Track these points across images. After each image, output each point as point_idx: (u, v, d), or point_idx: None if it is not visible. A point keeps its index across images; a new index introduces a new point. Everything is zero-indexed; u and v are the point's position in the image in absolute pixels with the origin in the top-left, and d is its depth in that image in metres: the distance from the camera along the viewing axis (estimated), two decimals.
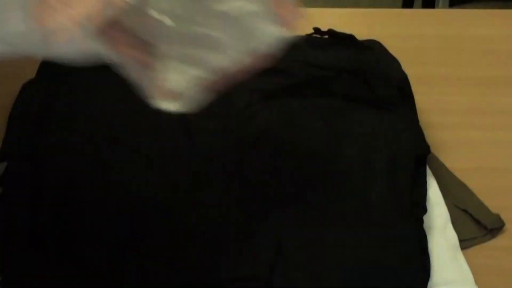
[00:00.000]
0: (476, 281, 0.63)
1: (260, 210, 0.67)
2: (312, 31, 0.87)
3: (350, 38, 0.85)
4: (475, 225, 0.69)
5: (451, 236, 0.67)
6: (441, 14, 1.10)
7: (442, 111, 0.84)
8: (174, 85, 0.46)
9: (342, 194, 0.68)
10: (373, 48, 0.84)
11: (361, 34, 0.88)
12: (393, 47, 0.88)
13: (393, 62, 0.84)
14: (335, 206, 0.67)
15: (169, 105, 0.47)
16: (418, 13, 1.07)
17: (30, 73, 0.84)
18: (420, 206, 0.68)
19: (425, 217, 0.67)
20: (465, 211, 0.70)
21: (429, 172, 0.73)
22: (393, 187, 0.68)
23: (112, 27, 0.42)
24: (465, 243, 0.67)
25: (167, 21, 0.43)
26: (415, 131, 0.75)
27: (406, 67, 0.83)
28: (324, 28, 0.88)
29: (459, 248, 0.66)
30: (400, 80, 0.80)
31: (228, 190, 0.68)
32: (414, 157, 0.71)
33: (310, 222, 0.66)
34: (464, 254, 0.65)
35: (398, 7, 2.18)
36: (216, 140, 0.73)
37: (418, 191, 0.69)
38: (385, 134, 0.74)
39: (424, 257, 0.64)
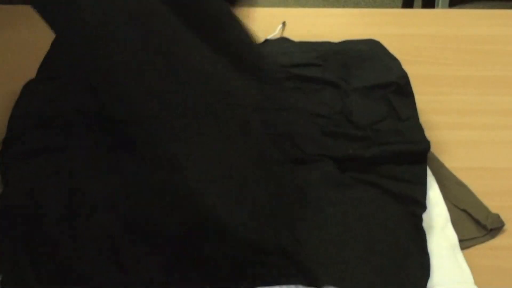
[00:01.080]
0: (476, 281, 0.63)
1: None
2: (311, 30, 0.88)
3: None
4: (475, 225, 0.69)
5: (451, 236, 0.67)
6: (441, 14, 1.10)
7: (442, 111, 0.84)
8: None
9: (343, 196, 0.68)
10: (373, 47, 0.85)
11: (361, 34, 0.88)
12: (393, 47, 0.88)
13: (393, 61, 0.84)
14: (335, 207, 0.67)
15: None
16: (418, 13, 1.08)
17: (30, 73, 0.84)
18: (419, 204, 0.68)
19: (425, 217, 0.67)
20: (464, 211, 0.70)
21: (429, 172, 0.73)
22: (392, 189, 0.69)
23: None
24: (465, 243, 0.67)
25: None
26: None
27: (406, 67, 0.83)
28: (324, 28, 0.88)
29: (459, 248, 0.66)
30: (400, 78, 0.80)
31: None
32: (414, 154, 0.72)
33: (309, 222, 0.66)
34: (464, 254, 0.65)
35: (398, 7, 2.18)
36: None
37: (417, 188, 0.69)
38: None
39: (423, 257, 0.64)
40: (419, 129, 0.75)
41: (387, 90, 0.80)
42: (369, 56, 0.87)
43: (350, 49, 0.89)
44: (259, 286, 0.61)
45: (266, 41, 0.94)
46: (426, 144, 0.73)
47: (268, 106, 0.79)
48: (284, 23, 0.99)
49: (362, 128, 0.76)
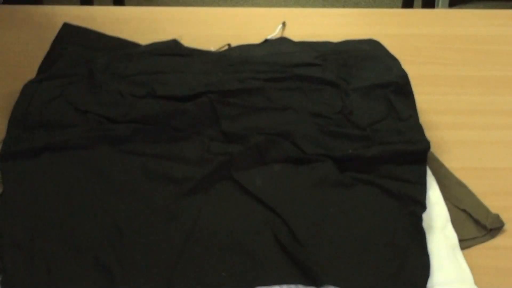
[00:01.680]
0: (476, 281, 0.63)
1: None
2: (311, 30, 0.88)
3: None
4: (475, 225, 0.69)
5: (451, 236, 0.67)
6: (441, 14, 1.10)
7: (442, 111, 0.84)
8: None
9: (343, 196, 0.69)
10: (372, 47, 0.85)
11: (361, 34, 0.88)
12: (393, 47, 0.88)
13: (393, 61, 0.84)
14: (334, 207, 0.67)
15: None
16: (418, 13, 1.08)
17: (30, 73, 0.84)
18: (419, 204, 0.68)
19: (425, 217, 0.67)
20: (464, 211, 0.70)
21: (429, 172, 0.73)
22: (392, 189, 0.69)
23: None
24: (465, 243, 0.67)
25: None
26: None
27: (406, 67, 0.83)
28: (324, 28, 0.88)
29: (459, 248, 0.66)
30: (400, 78, 0.80)
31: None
32: (414, 154, 0.72)
33: (309, 222, 0.66)
34: (464, 254, 0.65)
35: (398, 7, 2.18)
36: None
37: (417, 188, 0.69)
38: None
39: (423, 257, 0.64)
40: (419, 129, 0.75)
41: (387, 89, 0.80)
42: (369, 56, 0.87)
43: (350, 49, 0.89)
44: (259, 286, 0.61)
45: (266, 41, 0.94)
46: (426, 144, 0.73)
47: (268, 106, 0.79)
48: (284, 23, 0.99)
49: (362, 128, 0.76)
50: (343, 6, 2.37)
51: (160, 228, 0.65)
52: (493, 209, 0.70)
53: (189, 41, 0.91)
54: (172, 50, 0.88)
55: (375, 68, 0.84)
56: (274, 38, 0.95)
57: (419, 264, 0.63)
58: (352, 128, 0.76)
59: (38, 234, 0.64)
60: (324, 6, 2.37)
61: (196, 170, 0.71)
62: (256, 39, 0.94)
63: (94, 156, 0.72)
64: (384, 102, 0.79)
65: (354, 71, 0.84)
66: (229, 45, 0.93)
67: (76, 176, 0.70)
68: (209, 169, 0.71)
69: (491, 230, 0.68)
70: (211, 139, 0.75)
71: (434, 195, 0.71)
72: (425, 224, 0.66)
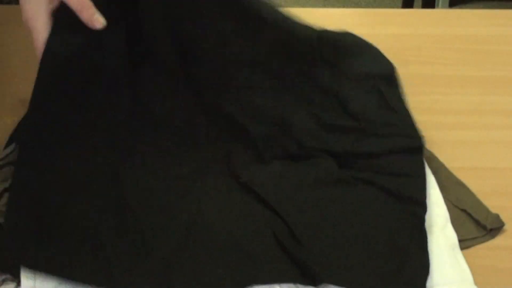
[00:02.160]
0: (476, 281, 0.63)
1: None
2: None
3: None
4: (474, 225, 0.69)
5: (451, 236, 0.67)
6: (441, 14, 1.10)
7: (442, 111, 0.84)
8: None
9: (343, 195, 0.69)
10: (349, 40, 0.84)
11: (361, 34, 0.87)
12: (393, 47, 0.88)
13: (377, 51, 0.83)
14: (334, 206, 0.68)
15: None
16: (418, 13, 1.08)
17: (30, 73, 0.84)
18: (420, 204, 0.68)
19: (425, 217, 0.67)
20: (464, 211, 0.70)
21: (429, 172, 0.73)
22: (391, 188, 0.69)
23: None
24: (465, 243, 0.67)
25: None
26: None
27: (406, 67, 0.83)
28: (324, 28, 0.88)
29: (458, 248, 0.66)
30: (388, 69, 0.80)
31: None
32: (409, 149, 0.72)
33: (309, 222, 0.66)
34: (464, 254, 0.65)
35: (398, 7, 2.18)
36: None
37: (417, 184, 0.69)
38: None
39: (423, 257, 0.64)
40: (410, 120, 0.75)
41: (378, 80, 0.79)
42: (355, 46, 0.85)
43: (337, 38, 0.87)
44: (258, 285, 0.61)
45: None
46: (419, 141, 0.73)
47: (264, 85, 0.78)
48: None
49: (356, 118, 0.76)
50: (343, 6, 2.37)
51: (158, 227, 0.65)
52: (493, 209, 0.70)
53: None
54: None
55: (364, 59, 0.83)
56: None
57: (419, 264, 0.63)
58: (347, 120, 0.76)
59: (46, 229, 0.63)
60: (324, 6, 2.37)
61: (194, 168, 0.71)
62: None
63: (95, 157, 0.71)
64: (375, 93, 0.79)
65: (345, 59, 0.83)
66: None
67: (81, 172, 0.68)
68: (208, 167, 0.71)
69: (491, 230, 0.68)
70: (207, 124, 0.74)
71: (434, 195, 0.71)
72: (425, 224, 0.66)
